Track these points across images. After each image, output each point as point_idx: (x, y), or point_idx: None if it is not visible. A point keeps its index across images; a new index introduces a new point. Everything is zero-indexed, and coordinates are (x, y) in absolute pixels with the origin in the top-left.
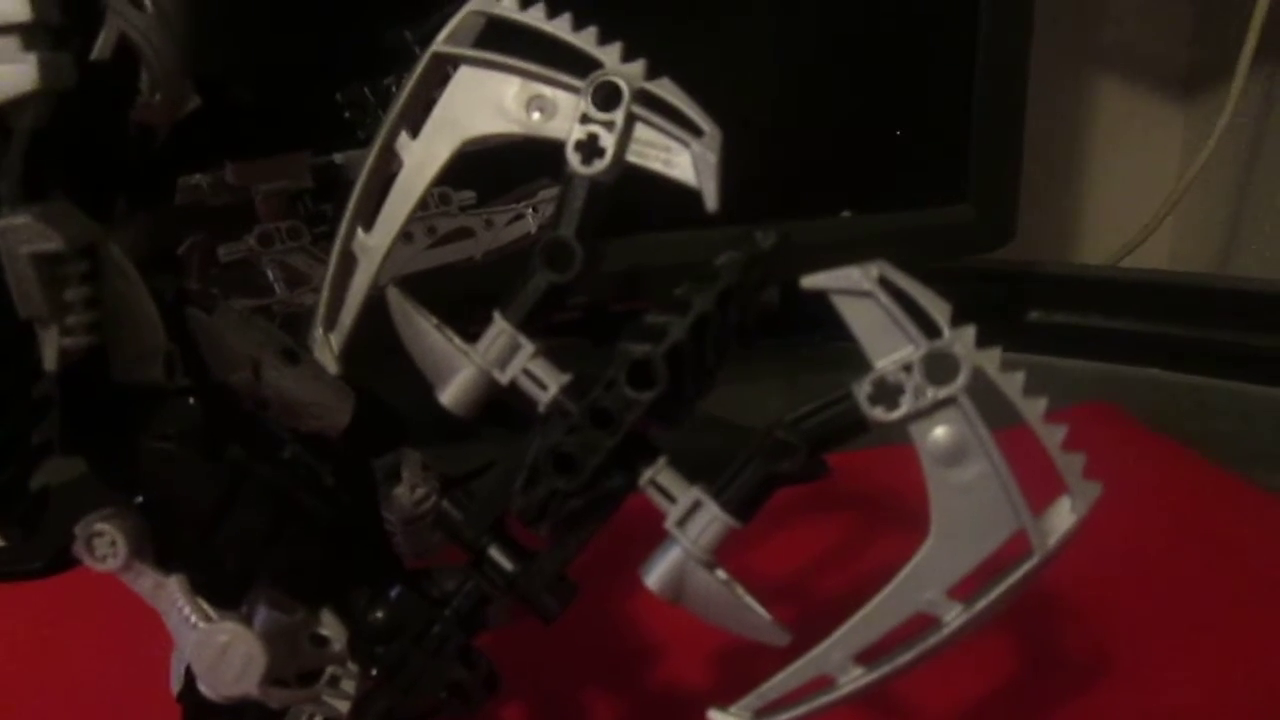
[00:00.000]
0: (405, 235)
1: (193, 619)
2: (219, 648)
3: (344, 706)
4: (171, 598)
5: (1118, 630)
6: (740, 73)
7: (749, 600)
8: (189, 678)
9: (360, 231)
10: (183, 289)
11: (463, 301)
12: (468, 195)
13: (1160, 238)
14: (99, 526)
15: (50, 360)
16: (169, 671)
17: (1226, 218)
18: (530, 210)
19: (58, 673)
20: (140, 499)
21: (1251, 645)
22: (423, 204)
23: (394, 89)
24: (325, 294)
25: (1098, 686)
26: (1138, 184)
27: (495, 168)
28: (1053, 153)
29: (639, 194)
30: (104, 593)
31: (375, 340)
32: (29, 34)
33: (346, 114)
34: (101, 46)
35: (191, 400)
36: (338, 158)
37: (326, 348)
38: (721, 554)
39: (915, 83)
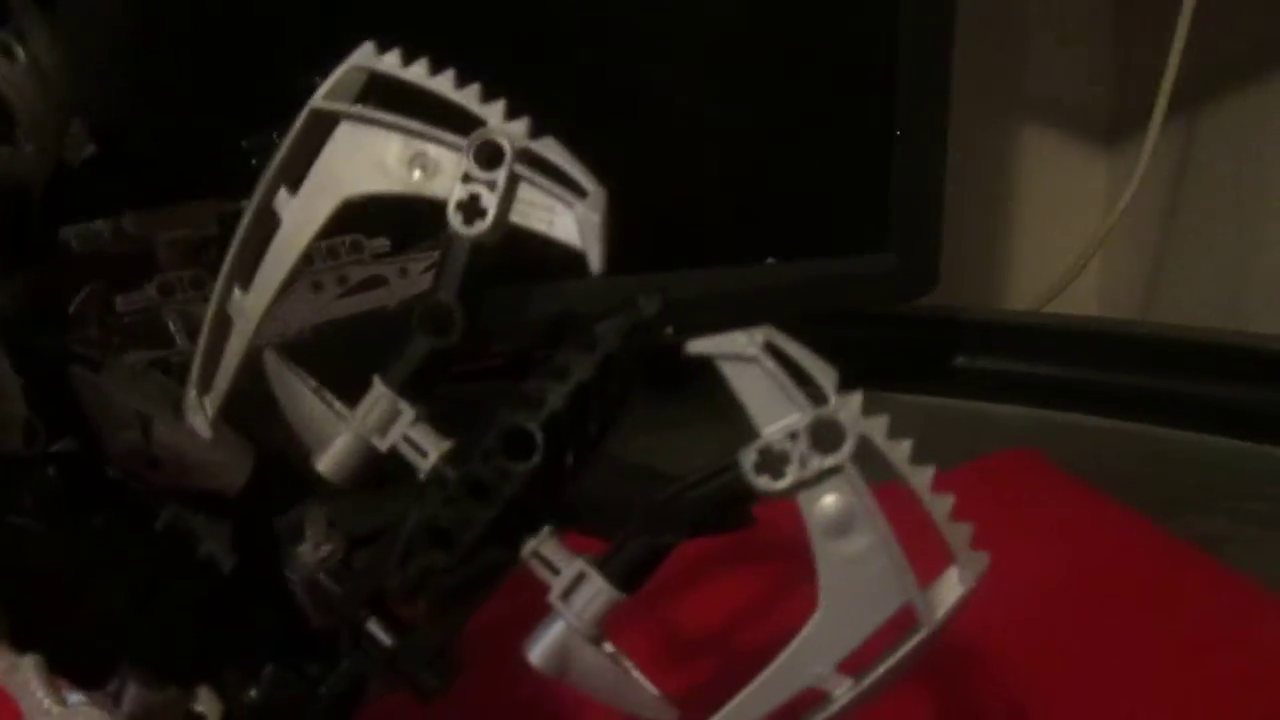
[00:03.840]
0: (315, 284)
1: (46, 704)
2: None
3: None
4: (24, 681)
5: (1036, 678)
6: (662, 121)
7: (636, 675)
8: None
9: (237, 291)
10: (68, 346)
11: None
12: (381, 243)
13: (1087, 282)
14: None
15: None
16: None
17: (1151, 262)
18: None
19: None
20: None
21: (1165, 693)
22: (331, 253)
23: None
24: (199, 356)
25: None
26: (1062, 229)
27: (410, 214)
28: (977, 198)
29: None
30: None
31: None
32: None
33: (253, 161)
34: None
35: (49, 470)
36: (242, 203)
37: (200, 410)
38: (610, 624)
39: (837, 130)
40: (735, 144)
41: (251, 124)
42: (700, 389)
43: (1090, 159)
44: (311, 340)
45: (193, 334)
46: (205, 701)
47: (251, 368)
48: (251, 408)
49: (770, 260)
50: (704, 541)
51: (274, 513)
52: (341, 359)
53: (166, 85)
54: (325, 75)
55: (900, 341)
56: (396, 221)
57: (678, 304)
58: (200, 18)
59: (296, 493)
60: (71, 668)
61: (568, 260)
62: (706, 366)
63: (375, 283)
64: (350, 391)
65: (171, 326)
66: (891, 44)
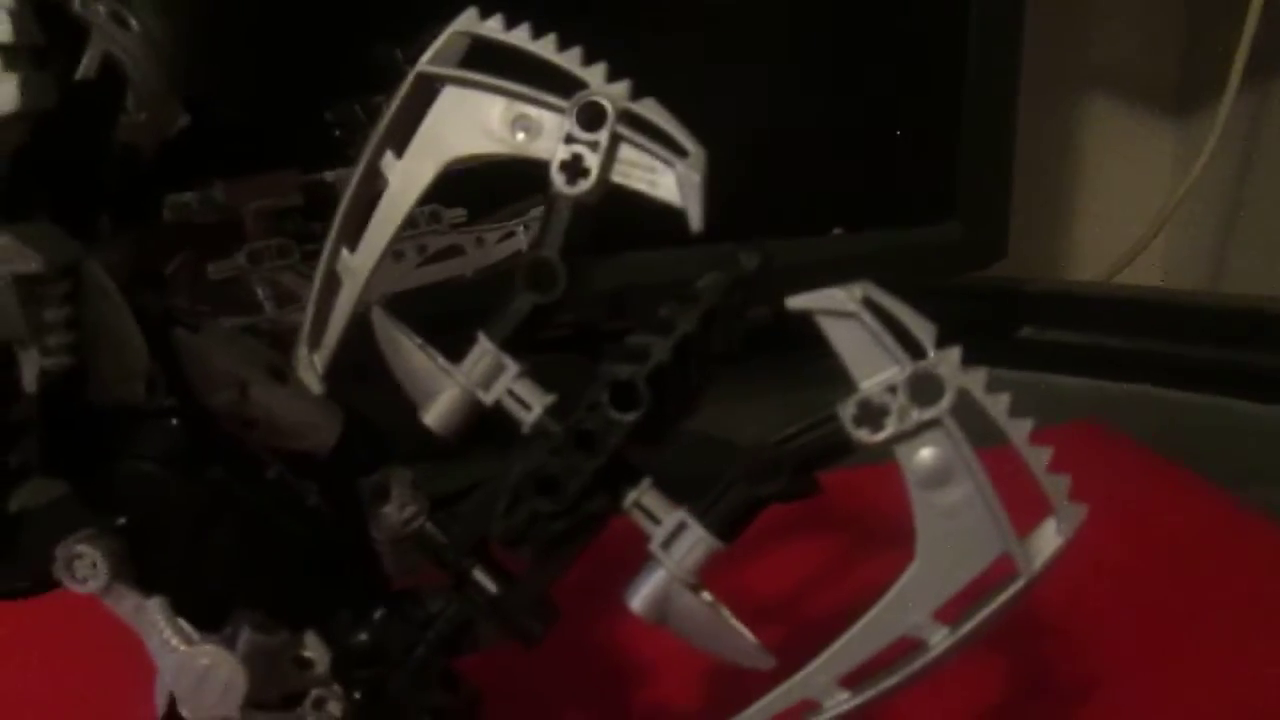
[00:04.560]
0: (395, 253)
1: (173, 642)
2: (199, 671)
3: None
4: (152, 620)
5: (1105, 651)
6: (730, 91)
7: (734, 623)
8: (172, 701)
9: (345, 252)
10: (169, 308)
11: (454, 319)
12: (458, 213)
13: (1153, 254)
14: (79, 548)
15: (30, 382)
16: (153, 694)
17: (1219, 234)
18: (521, 228)
19: (41, 692)
20: (121, 520)
21: (1242, 668)
22: (410, 223)
23: (385, 107)
24: (310, 313)
25: (1086, 710)
26: (1130, 200)
27: (487, 185)
28: (1046, 169)
29: (628, 212)
30: (88, 613)
31: (364, 359)
32: (10, 55)
33: (337, 132)
34: (86, 66)
35: (173, 421)
36: (328, 175)
37: (310, 367)
38: (707, 576)
39: (905, 100)
40: (803, 115)
41: (334, 95)
42: (764, 361)
43: (1158, 129)
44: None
45: (280, 300)
46: (313, 647)
47: (357, 326)
48: (340, 373)
49: (837, 230)
50: (774, 511)
51: (359, 474)
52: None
53: (250, 57)
54: (404, 46)
55: (966, 312)
56: (474, 192)
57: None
58: None
59: (381, 455)
60: (192, 610)
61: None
62: (775, 337)
63: (453, 252)
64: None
65: (260, 293)
66: (962, 12)
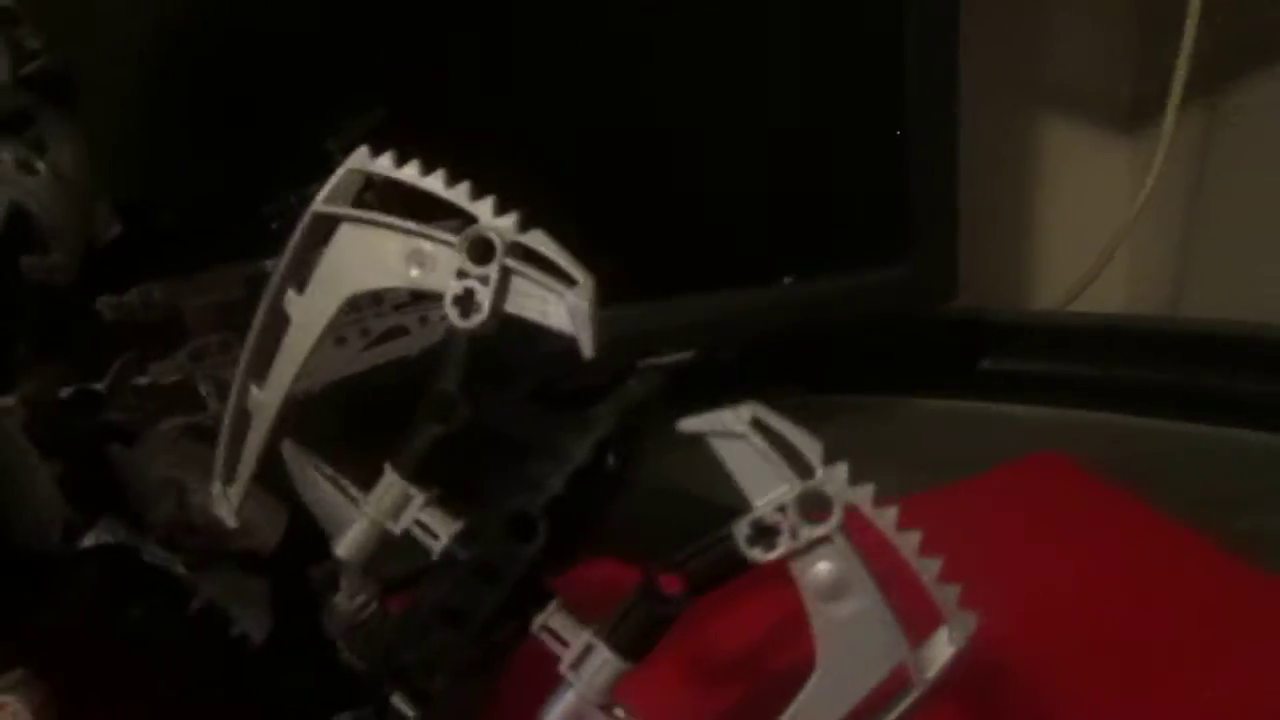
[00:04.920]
0: (339, 339)
1: None
2: None
3: None
4: None
5: (1056, 683)
6: (668, 146)
7: None
8: None
9: (254, 388)
10: (104, 423)
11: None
12: (399, 294)
13: (1113, 278)
14: (3, 699)
15: None
16: None
17: (1175, 254)
18: (418, 320)
19: None
20: (43, 668)
21: (1200, 700)
22: (353, 306)
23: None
24: (221, 450)
25: None
26: (1085, 224)
27: None
28: (995, 195)
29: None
30: None
31: None
32: None
33: (274, 225)
34: None
35: (90, 568)
36: (267, 265)
37: (225, 502)
38: (617, 693)
39: (847, 145)
40: (747, 164)
41: (269, 188)
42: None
43: (1111, 149)
44: (336, 392)
45: (223, 397)
46: None
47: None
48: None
49: (787, 279)
50: None
51: (308, 564)
52: (366, 408)
53: (183, 157)
54: (338, 138)
55: (924, 345)
56: None
57: (698, 327)
58: (213, 91)
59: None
60: None
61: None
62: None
63: (397, 333)
64: (378, 441)
65: (203, 390)
66: (897, 57)
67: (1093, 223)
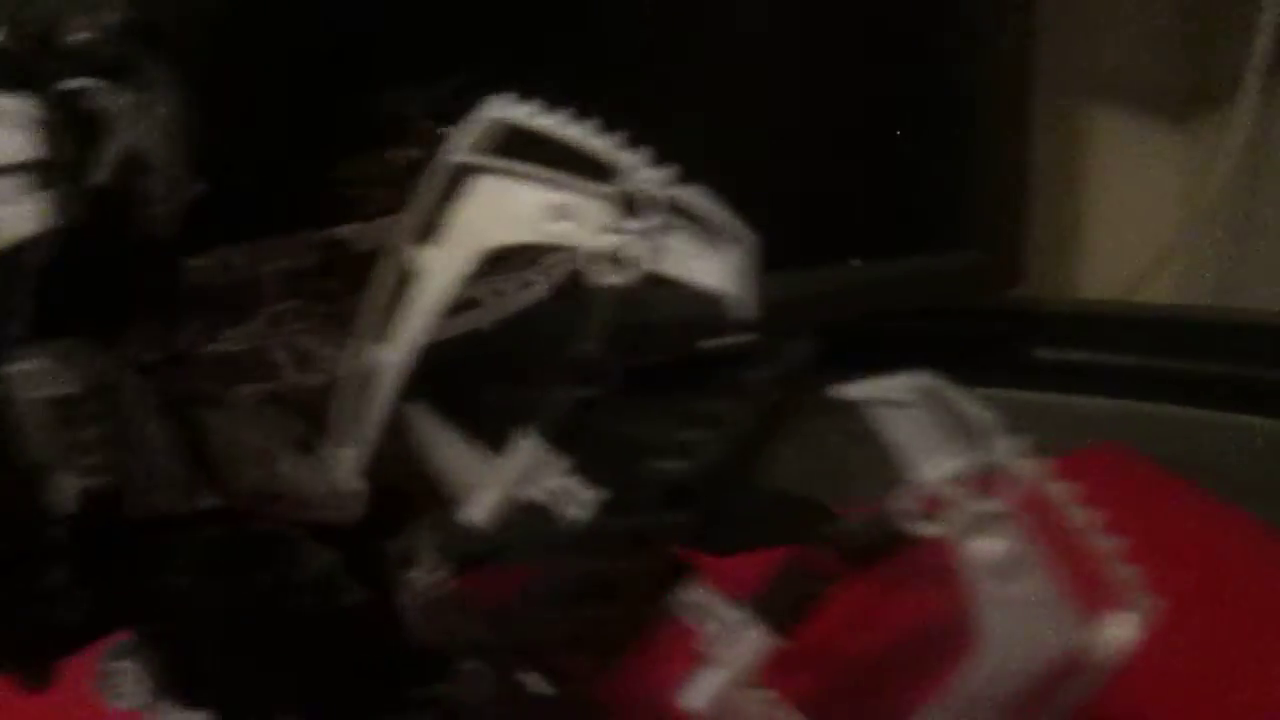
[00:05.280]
0: None
1: None
2: None
3: None
4: None
5: (1141, 682)
6: (740, 126)
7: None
8: None
9: (377, 346)
10: (193, 387)
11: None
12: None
13: (1173, 269)
14: (119, 664)
15: (66, 503)
16: None
17: (1237, 245)
18: (542, 276)
19: None
20: (161, 632)
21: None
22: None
23: (398, 162)
24: (341, 412)
25: None
26: (1144, 214)
27: None
28: (1054, 184)
29: None
30: None
31: None
32: (43, 171)
33: (349, 189)
34: (105, 166)
35: (212, 528)
36: (341, 232)
37: (345, 467)
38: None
39: (918, 126)
40: (817, 146)
41: (345, 151)
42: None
43: (1172, 138)
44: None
45: (299, 365)
46: None
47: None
48: None
49: (854, 261)
50: None
51: (385, 539)
52: (440, 380)
53: (261, 117)
54: (417, 100)
55: (979, 334)
56: None
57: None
58: (292, 49)
59: (406, 518)
60: None
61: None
62: None
63: (469, 305)
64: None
65: (279, 359)
66: (972, 38)
67: (1153, 212)
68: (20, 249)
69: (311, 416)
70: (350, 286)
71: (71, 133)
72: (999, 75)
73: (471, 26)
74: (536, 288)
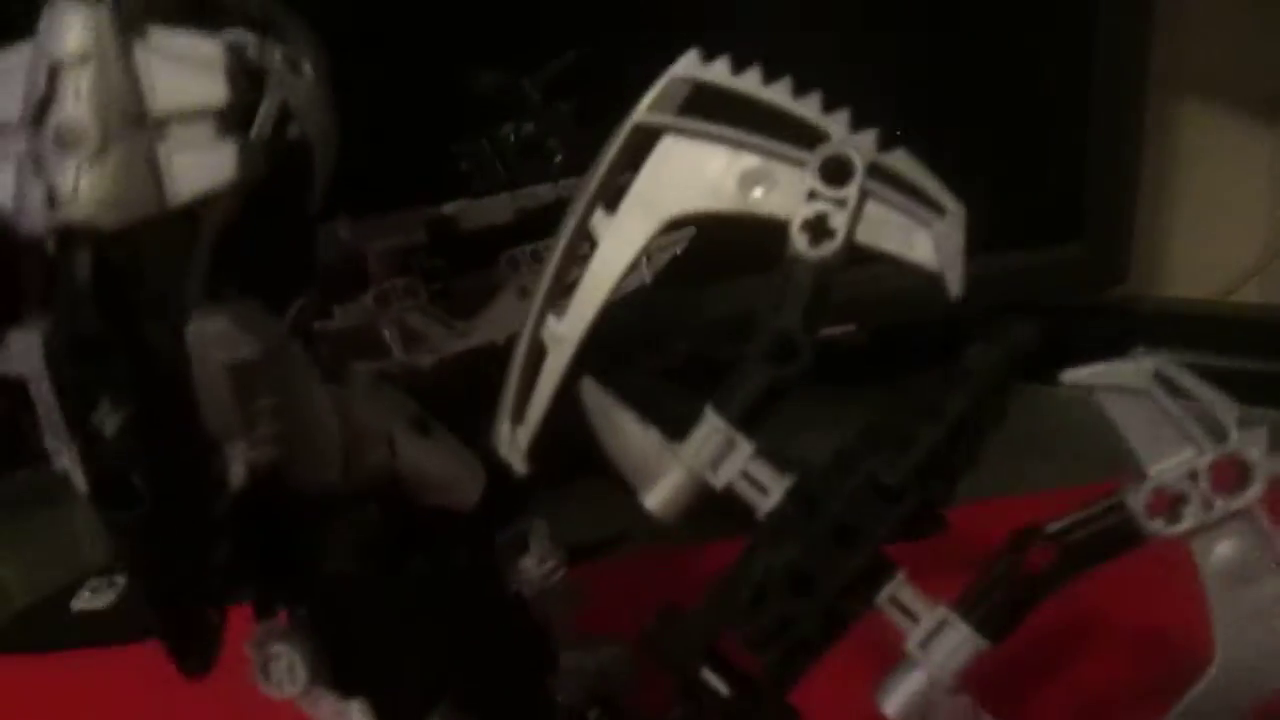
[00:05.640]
0: (521, 291)
1: None
2: None
3: None
4: None
5: None
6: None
7: None
8: None
9: (551, 319)
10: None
11: None
12: (586, 247)
13: (1267, 271)
14: (276, 648)
15: (237, 476)
16: None
17: None
18: (644, 260)
19: None
20: (314, 616)
21: None
22: (511, 264)
23: (512, 138)
24: (513, 386)
25: None
26: (1240, 216)
27: None
28: (1154, 183)
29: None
30: None
31: None
32: (225, 119)
33: (462, 165)
34: (263, 120)
35: (370, 508)
36: (450, 209)
37: (514, 445)
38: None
39: (1029, 119)
40: (926, 135)
41: (453, 128)
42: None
43: (1269, 141)
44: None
45: (407, 343)
46: None
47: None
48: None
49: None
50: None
51: (498, 527)
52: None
53: (372, 91)
54: (534, 77)
55: (1081, 333)
56: None
57: (862, 299)
58: (406, 22)
59: (518, 507)
60: (391, 711)
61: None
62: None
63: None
64: None
65: (387, 336)
66: (1087, 32)
67: (1251, 214)
68: (205, 202)
69: (422, 398)
70: (458, 266)
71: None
72: (1116, 70)
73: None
74: (639, 273)
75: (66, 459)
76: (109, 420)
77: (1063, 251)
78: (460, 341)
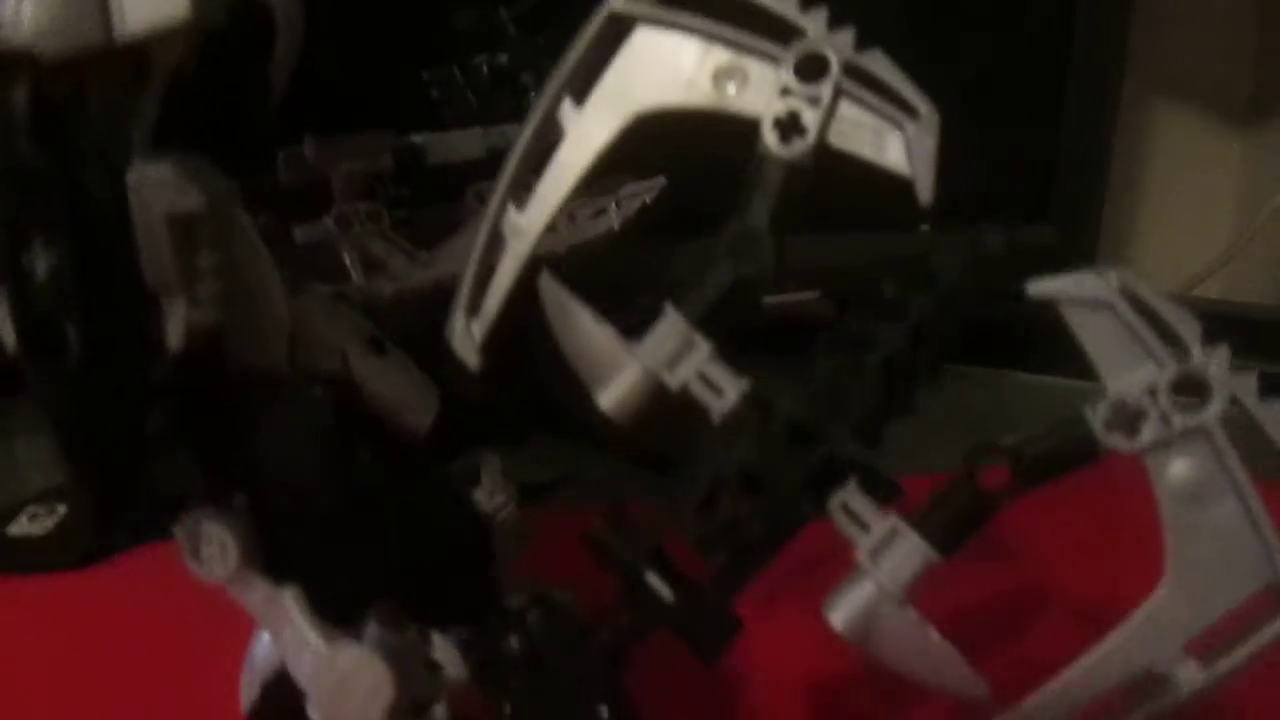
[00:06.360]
0: None
1: (311, 640)
2: (340, 674)
3: None
4: (285, 614)
5: None
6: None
7: (946, 646)
8: (264, 694)
9: (512, 210)
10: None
11: None
12: None
13: (1228, 267)
14: (207, 528)
15: (175, 337)
16: (232, 686)
17: None
18: (614, 205)
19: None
20: (250, 499)
21: None
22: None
23: (484, 69)
24: (470, 276)
25: None
26: (1202, 212)
27: None
28: (1117, 178)
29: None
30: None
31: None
32: None
33: (434, 94)
34: None
35: (318, 389)
36: (417, 140)
37: (468, 337)
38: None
39: (1003, 111)
40: None
41: (426, 58)
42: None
43: (1233, 140)
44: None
45: (367, 268)
46: (442, 649)
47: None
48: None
49: (924, 227)
50: None
51: (450, 458)
52: None
53: (347, 14)
54: (510, 7)
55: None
56: None
57: (841, 268)
58: None
59: (471, 439)
60: (321, 604)
61: None
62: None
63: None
64: None
65: (347, 259)
66: (1065, 30)
67: (1213, 211)
68: (156, 42)
69: (382, 325)
70: (424, 197)
71: None
72: (1093, 56)
73: None
74: (608, 216)
75: None
76: (41, 260)
77: (1034, 232)
78: (422, 272)
